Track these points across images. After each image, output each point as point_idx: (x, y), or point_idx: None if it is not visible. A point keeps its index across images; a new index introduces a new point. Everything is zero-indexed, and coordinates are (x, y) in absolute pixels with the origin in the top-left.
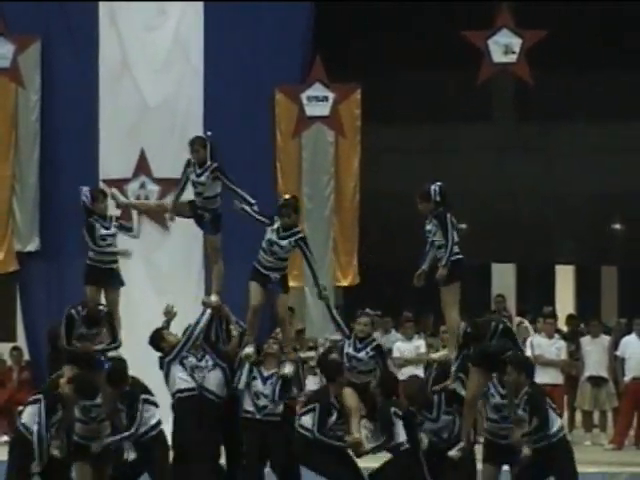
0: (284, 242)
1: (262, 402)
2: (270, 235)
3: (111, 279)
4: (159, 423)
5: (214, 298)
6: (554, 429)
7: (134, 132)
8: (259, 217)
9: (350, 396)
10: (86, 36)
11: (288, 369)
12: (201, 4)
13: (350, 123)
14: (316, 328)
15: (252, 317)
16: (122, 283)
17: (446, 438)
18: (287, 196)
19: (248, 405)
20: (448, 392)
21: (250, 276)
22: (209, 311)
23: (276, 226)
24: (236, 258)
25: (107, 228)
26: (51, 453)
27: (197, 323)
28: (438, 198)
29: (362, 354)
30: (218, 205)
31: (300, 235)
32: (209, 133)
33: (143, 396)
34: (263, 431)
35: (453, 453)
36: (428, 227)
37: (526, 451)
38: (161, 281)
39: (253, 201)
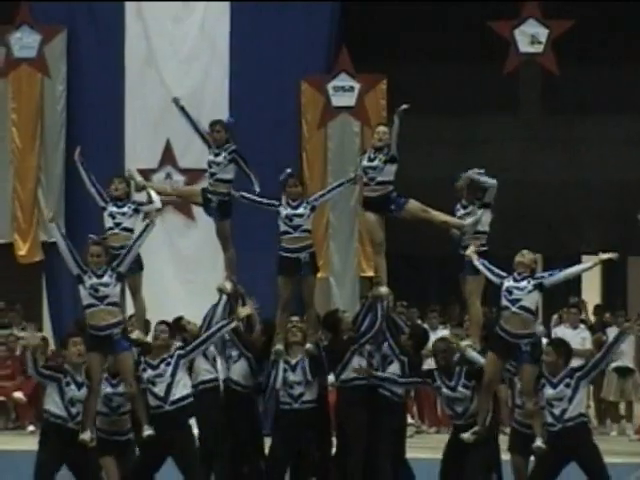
0: (300, 210)
1: (297, 390)
2: (284, 211)
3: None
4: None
5: (228, 285)
6: (582, 410)
7: (160, 122)
8: (267, 201)
9: (376, 227)
10: (112, 26)
11: (309, 345)
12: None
13: (376, 113)
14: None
15: (282, 312)
16: (141, 267)
17: (460, 413)
18: (288, 170)
19: (283, 397)
20: (471, 368)
21: (277, 269)
22: (224, 300)
23: (284, 201)
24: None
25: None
26: (80, 439)
27: (213, 315)
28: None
29: (376, 162)
30: (228, 191)
31: (305, 198)
32: (231, 119)
33: None
34: (300, 421)
35: (467, 436)
36: (467, 210)
37: (539, 443)
38: (186, 270)
39: (259, 190)
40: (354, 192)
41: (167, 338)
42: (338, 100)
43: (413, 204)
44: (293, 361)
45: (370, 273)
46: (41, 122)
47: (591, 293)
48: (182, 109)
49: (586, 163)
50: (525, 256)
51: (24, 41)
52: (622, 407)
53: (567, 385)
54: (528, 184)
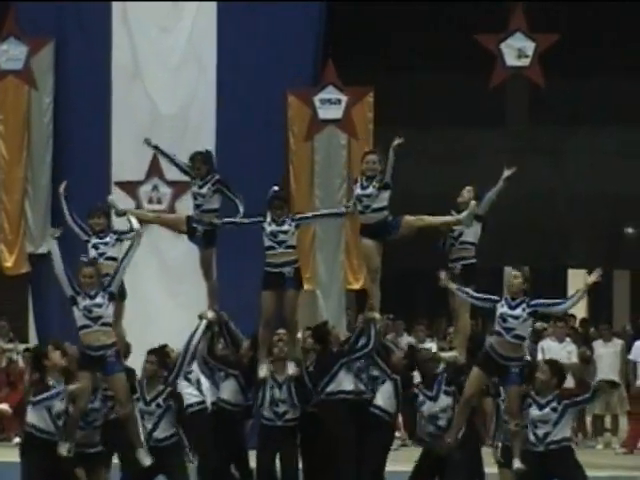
0: (285, 226)
1: (281, 409)
2: (269, 227)
3: None
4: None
5: (210, 314)
6: (567, 435)
7: (146, 134)
8: (250, 220)
9: (373, 253)
10: (99, 39)
11: (292, 369)
12: (214, 6)
13: (363, 126)
14: None
15: (264, 327)
16: (123, 296)
17: (444, 426)
18: (275, 188)
19: (268, 413)
20: (449, 372)
21: (262, 284)
22: (203, 325)
23: (269, 218)
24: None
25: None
26: (59, 452)
27: (191, 339)
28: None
29: (370, 190)
30: (213, 221)
31: (291, 215)
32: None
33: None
34: (281, 438)
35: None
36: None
37: (518, 464)
38: (173, 282)
39: (242, 211)
40: (341, 205)
41: (155, 369)
42: (325, 113)
43: (407, 219)
44: (280, 379)
45: (356, 286)
46: (28, 134)
47: (577, 306)
48: (156, 148)
49: (573, 175)
50: (518, 278)
51: (11, 53)
52: (608, 420)
53: (554, 409)
54: (515, 196)
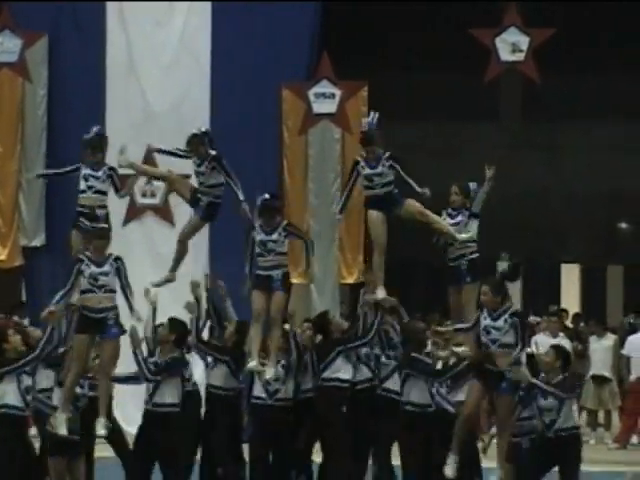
0: (274, 236)
1: (273, 387)
2: (258, 236)
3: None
4: None
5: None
6: (573, 423)
7: (141, 129)
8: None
9: (379, 227)
10: (94, 32)
11: (269, 372)
12: (208, 2)
13: (357, 120)
14: None
15: (255, 324)
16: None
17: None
18: (265, 196)
19: (259, 392)
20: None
21: (252, 286)
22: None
23: (258, 225)
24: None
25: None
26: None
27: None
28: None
29: (380, 168)
30: (219, 194)
31: (284, 223)
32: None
33: None
34: (273, 417)
35: (448, 471)
36: (457, 219)
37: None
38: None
39: (242, 197)
40: (335, 198)
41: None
42: (319, 107)
43: (412, 204)
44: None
45: (350, 280)
46: (22, 127)
47: (570, 301)
48: (159, 151)
49: (567, 171)
50: (486, 295)
51: (5, 45)
52: (601, 415)
53: (555, 397)
54: (509, 192)
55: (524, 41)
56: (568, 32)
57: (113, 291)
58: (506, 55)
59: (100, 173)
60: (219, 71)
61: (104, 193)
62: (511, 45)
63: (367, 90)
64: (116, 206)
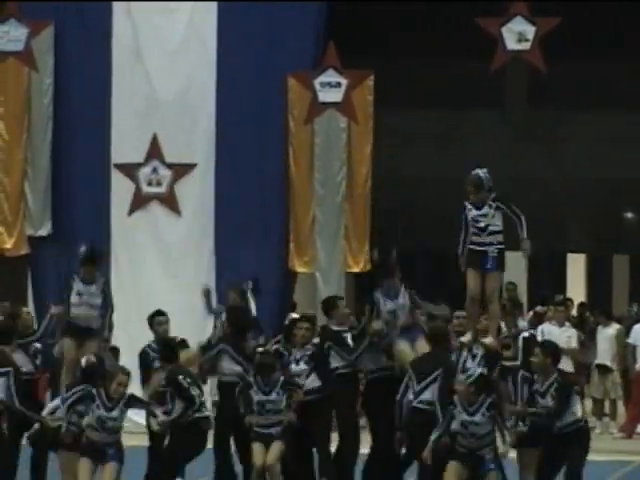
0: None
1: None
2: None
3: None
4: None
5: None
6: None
7: (146, 116)
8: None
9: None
10: (99, 20)
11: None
12: None
13: (363, 109)
14: None
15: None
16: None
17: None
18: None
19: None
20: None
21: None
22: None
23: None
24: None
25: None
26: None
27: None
28: (491, 183)
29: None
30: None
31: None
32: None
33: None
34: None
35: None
36: (482, 212)
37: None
38: (171, 265)
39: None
40: (341, 187)
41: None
42: (325, 96)
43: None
44: (298, 355)
45: (356, 269)
46: (28, 115)
47: (576, 291)
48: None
49: (572, 160)
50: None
51: (11, 34)
52: (607, 404)
53: (552, 397)
54: (513, 181)
55: (530, 30)
56: (574, 21)
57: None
58: (512, 44)
59: (93, 288)
60: (225, 59)
61: (98, 307)
62: (517, 34)
63: (373, 79)
64: (122, 195)
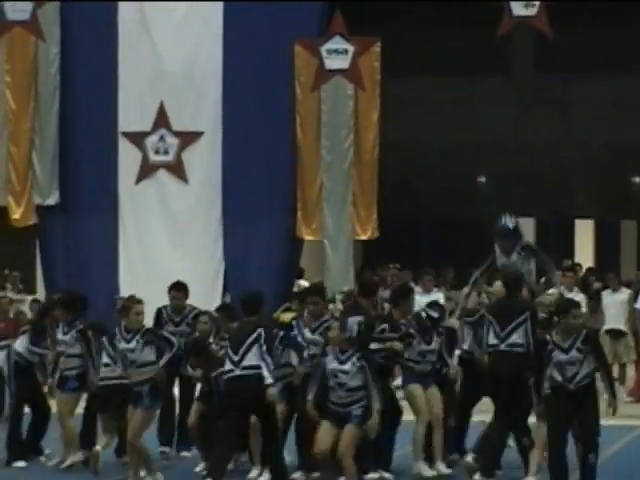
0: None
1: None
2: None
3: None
4: None
5: None
6: (590, 369)
7: (153, 85)
8: None
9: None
10: None
11: None
12: None
13: (370, 76)
14: (334, 282)
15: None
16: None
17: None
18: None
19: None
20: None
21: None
22: None
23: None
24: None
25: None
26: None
27: None
28: (520, 230)
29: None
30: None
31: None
32: None
33: None
34: None
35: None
36: (511, 258)
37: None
38: (178, 233)
39: None
40: (348, 154)
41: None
42: (332, 63)
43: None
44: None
45: (364, 237)
46: (35, 84)
47: (584, 257)
48: None
49: (579, 125)
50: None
51: (17, 5)
52: (615, 369)
53: (579, 350)
54: (520, 147)
55: None
56: None
57: None
58: (519, 9)
59: (68, 337)
60: (231, 28)
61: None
62: (524, 1)
63: (380, 46)
64: (129, 164)
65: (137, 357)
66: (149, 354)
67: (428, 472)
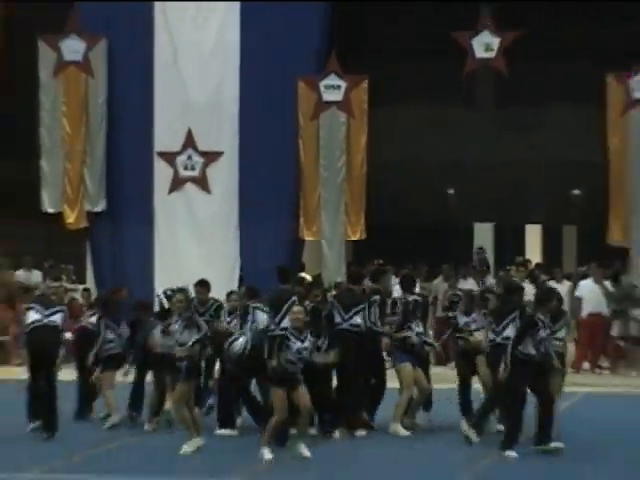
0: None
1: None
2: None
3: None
4: None
5: None
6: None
7: (182, 113)
8: None
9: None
10: (143, 35)
11: None
12: (238, 6)
13: (359, 107)
14: (330, 274)
15: None
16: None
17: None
18: None
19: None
20: None
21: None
22: None
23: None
24: (269, 222)
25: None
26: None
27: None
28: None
29: None
30: None
31: None
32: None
33: None
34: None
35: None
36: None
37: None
38: (203, 236)
39: None
40: (341, 171)
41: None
42: (328, 96)
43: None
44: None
45: (354, 237)
46: (86, 113)
47: (533, 256)
48: None
49: (529, 146)
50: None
51: (72, 47)
52: None
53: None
54: (482, 166)
55: (495, 42)
56: (530, 33)
57: None
58: (480, 53)
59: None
60: (246, 68)
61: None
62: (484, 45)
63: (367, 82)
64: (163, 178)
65: (178, 338)
66: (188, 336)
67: (403, 432)
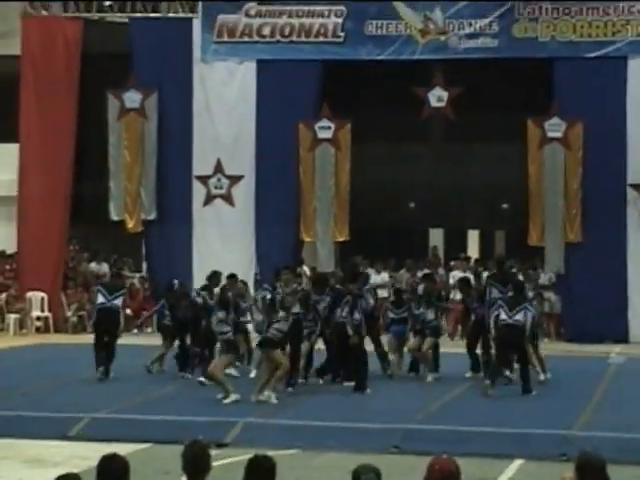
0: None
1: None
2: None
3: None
4: None
5: None
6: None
7: (213, 146)
8: None
9: None
10: (185, 88)
11: None
12: (254, 67)
13: (344, 143)
14: (322, 268)
15: None
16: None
17: None
18: None
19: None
20: None
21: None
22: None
23: None
24: (278, 227)
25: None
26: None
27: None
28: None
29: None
30: None
31: None
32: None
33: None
34: None
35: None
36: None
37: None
38: (227, 238)
39: None
40: (331, 190)
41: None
42: (321, 134)
43: None
44: None
45: (340, 239)
46: (142, 146)
47: (473, 252)
48: None
49: (471, 173)
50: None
51: (132, 98)
52: None
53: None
54: (436, 187)
55: (444, 95)
56: (471, 89)
57: None
58: (434, 102)
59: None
60: (261, 114)
61: None
62: (437, 97)
63: (350, 125)
64: (199, 195)
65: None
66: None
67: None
